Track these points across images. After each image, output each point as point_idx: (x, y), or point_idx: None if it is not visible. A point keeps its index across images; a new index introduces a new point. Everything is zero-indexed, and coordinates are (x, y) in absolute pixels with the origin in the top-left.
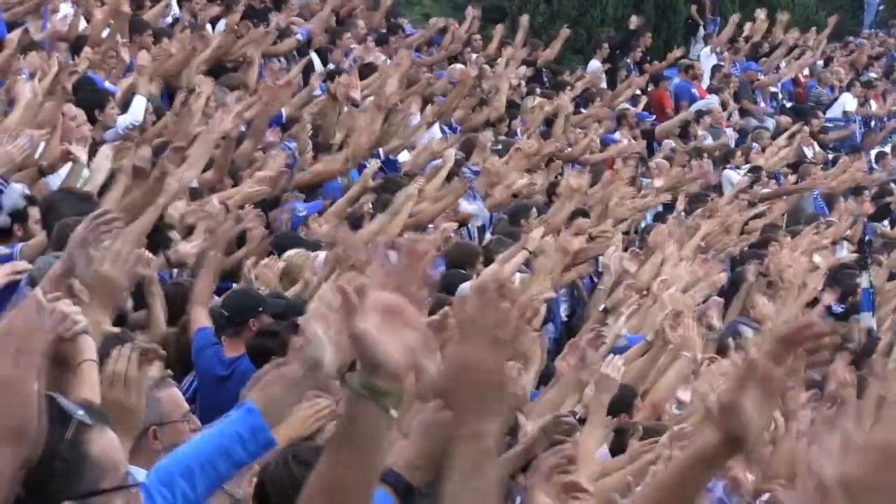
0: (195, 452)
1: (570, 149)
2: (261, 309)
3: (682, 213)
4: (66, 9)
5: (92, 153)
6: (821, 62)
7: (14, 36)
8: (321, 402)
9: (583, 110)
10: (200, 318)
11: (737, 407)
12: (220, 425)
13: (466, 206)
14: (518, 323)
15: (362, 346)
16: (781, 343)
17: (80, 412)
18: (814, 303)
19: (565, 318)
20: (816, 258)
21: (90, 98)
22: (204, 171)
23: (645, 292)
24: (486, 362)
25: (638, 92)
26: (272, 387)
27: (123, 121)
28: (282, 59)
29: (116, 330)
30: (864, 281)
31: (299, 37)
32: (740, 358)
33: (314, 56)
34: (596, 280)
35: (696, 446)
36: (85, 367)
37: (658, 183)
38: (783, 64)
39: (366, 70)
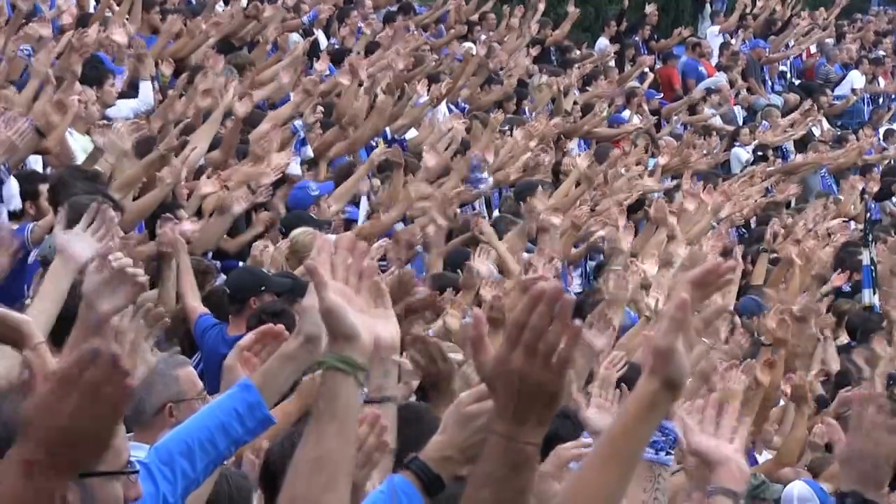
0: (194, 430)
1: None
2: (262, 288)
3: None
4: None
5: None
6: (830, 39)
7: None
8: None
9: (588, 88)
10: (196, 307)
11: (672, 351)
12: (217, 402)
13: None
14: (569, 342)
15: (335, 319)
16: (693, 286)
17: None
18: (823, 281)
19: (576, 296)
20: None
21: (90, 75)
22: (212, 150)
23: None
24: (535, 375)
25: (646, 69)
26: (270, 362)
27: (135, 106)
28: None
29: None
30: (864, 257)
31: (304, 18)
32: (673, 304)
33: (320, 34)
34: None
35: (635, 395)
36: None
37: (663, 161)
38: (792, 41)
39: (372, 47)
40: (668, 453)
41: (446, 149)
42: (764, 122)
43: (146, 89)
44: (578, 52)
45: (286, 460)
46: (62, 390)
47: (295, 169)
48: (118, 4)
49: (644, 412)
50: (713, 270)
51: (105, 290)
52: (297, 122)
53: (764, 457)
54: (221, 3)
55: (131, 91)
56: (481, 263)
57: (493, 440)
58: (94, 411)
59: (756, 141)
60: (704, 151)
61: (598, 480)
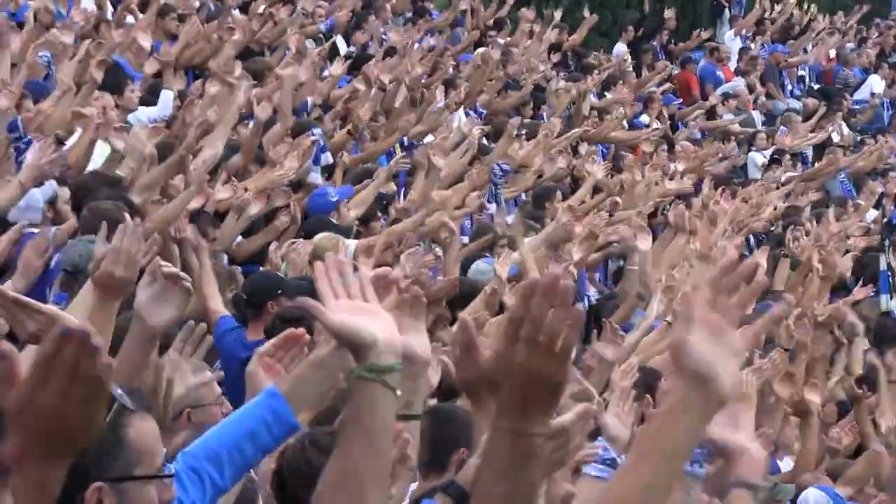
0: (222, 438)
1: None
2: (279, 291)
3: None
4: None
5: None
6: (850, 44)
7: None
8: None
9: (607, 94)
10: (218, 309)
11: (683, 343)
12: (244, 410)
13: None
14: (570, 328)
15: (346, 334)
16: (712, 286)
17: (123, 395)
18: (842, 286)
19: (595, 300)
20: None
21: (110, 82)
22: (232, 155)
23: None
24: (538, 366)
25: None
26: (299, 368)
27: (151, 114)
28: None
29: None
30: (881, 263)
31: (322, 26)
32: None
33: (339, 39)
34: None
35: (668, 395)
36: None
37: (681, 167)
38: (810, 46)
39: (389, 52)
40: (701, 465)
41: (463, 155)
42: (783, 126)
43: (167, 98)
44: (596, 56)
45: (298, 464)
46: (41, 375)
47: (315, 178)
48: (140, 10)
49: (674, 410)
50: (729, 267)
51: (156, 303)
52: (317, 130)
53: (786, 463)
54: (237, 11)
55: (149, 97)
56: (501, 267)
57: (499, 436)
58: (74, 391)
59: (774, 146)
60: (720, 155)
61: (630, 481)
